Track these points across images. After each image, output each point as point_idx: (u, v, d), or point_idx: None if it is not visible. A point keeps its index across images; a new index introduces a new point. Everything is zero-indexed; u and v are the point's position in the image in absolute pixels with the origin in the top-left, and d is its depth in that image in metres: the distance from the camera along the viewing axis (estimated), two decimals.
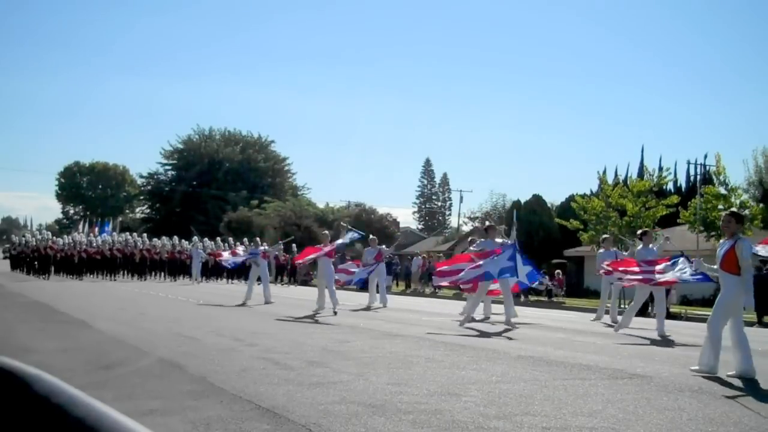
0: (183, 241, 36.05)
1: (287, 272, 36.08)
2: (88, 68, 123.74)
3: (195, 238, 35.90)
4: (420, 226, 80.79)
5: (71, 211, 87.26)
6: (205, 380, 6.15)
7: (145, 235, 36.97)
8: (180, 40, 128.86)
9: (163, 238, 36.49)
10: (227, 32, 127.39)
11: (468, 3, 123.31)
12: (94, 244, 34.18)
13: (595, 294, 26.27)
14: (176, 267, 34.28)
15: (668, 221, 25.78)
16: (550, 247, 32.22)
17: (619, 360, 8.24)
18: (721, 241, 7.95)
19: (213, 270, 34.03)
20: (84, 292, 21.79)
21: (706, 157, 38.86)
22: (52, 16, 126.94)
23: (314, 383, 6.11)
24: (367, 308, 16.97)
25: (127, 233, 37.07)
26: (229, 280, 33.57)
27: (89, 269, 33.60)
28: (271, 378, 6.33)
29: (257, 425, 4.55)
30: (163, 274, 34.21)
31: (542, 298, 25.26)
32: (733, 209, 8.85)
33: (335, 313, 14.12)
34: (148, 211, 75.91)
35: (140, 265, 34.09)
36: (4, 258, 66.86)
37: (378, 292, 18.00)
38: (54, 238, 35.95)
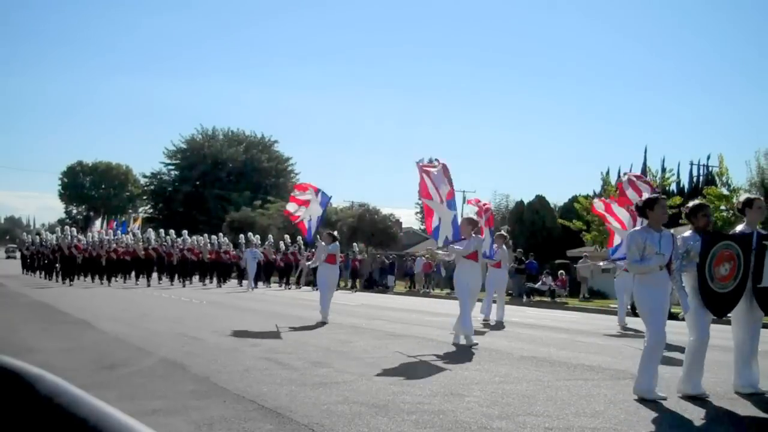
0: (224, 237, 31.90)
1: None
2: (91, 67, 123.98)
3: (249, 235, 30.29)
4: (423, 227, 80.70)
5: (74, 211, 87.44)
6: (208, 380, 6.16)
7: (185, 232, 31.31)
8: (183, 39, 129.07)
9: (205, 235, 31.89)
10: (231, 32, 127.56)
11: (471, 3, 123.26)
12: (124, 243, 29.38)
13: (598, 295, 26.27)
14: (222, 270, 29.95)
15: (672, 222, 25.75)
16: (552, 248, 32.17)
17: (621, 361, 8.23)
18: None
19: (266, 273, 30.09)
20: (87, 292, 21.80)
21: (708, 158, 38.85)
22: (56, 15, 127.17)
23: (317, 383, 6.11)
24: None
25: (162, 230, 31.77)
26: (285, 285, 29.95)
27: (120, 272, 28.92)
28: (274, 378, 6.33)
29: (260, 425, 4.55)
30: (206, 277, 29.97)
31: (545, 299, 25.23)
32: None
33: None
34: (151, 210, 75.99)
35: (180, 268, 29.00)
36: (7, 258, 67.00)
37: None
38: (79, 236, 30.64)
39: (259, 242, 29.88)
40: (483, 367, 7.44)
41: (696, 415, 5.23)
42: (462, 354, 8.48)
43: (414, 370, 7.09)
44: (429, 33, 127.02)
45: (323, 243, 13.22)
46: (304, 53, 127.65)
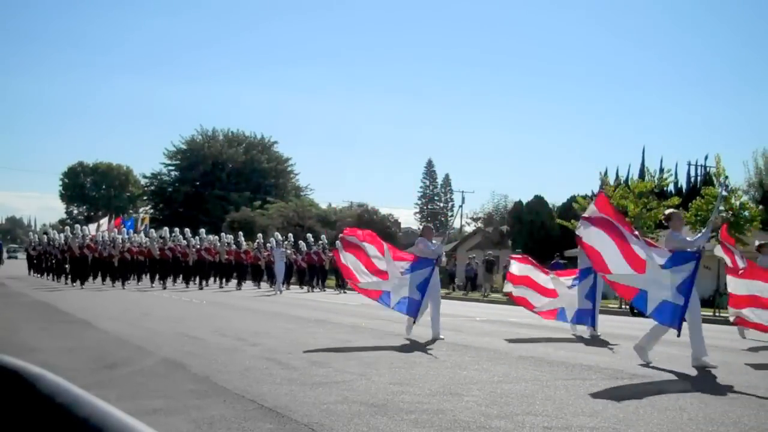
0: (241, 237, 30.49)
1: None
2: (92, 68, 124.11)
3: (277, 235, 28.96)
4: (422, 227, 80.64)
5: (75, 212, 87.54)
6: (208, 380, 6.18)
7: (203, 231, 29.94)
8: (184, 40, 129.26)
9: (222, 234, 30.62)
10: (231, 33, 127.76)
11: (470, 4, 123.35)
12: (137, 243, 27.83)
13: None
14: (243, 271, 28.81)
15: None
16: (551, 248, 32.22)
17: (619, 360, 8.25)
18: None
19: (288, 274, 28.29)
20: (89, 292, 21.82)
21: (706, 158, 38.88)
22: (57, 16, 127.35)
23: (317, 383, 6.12)
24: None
25: (176, 228, 29.90)
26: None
27: (133, 273, 27.45)
28: (273, 378, 6.35)
29: (260, 425, 4.57)
30: (224, 279, 28.57)
31: None
32: None
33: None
34: (152, 211, 76.06)
35: (197, 269, 27.44)
36: (9, 258, 67.01)
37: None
38: (91, 236, 28.72)
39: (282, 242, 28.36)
40: (481, 366, 7.46)
41: (695, 414, 5.25)
42: (461, 354, 8.50)
43: (413, 369, 7.11)
44: (427, 35, 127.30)
45: (425, 239, 10.67)
46: (304, 55, 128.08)
